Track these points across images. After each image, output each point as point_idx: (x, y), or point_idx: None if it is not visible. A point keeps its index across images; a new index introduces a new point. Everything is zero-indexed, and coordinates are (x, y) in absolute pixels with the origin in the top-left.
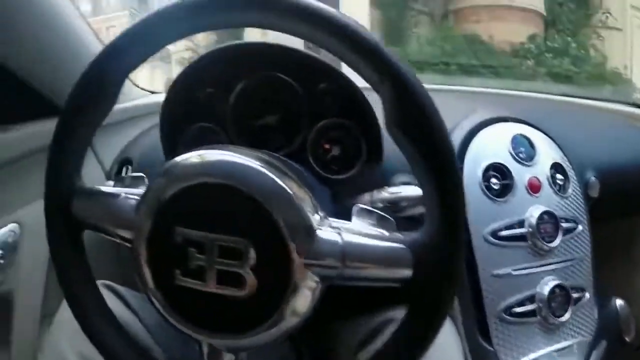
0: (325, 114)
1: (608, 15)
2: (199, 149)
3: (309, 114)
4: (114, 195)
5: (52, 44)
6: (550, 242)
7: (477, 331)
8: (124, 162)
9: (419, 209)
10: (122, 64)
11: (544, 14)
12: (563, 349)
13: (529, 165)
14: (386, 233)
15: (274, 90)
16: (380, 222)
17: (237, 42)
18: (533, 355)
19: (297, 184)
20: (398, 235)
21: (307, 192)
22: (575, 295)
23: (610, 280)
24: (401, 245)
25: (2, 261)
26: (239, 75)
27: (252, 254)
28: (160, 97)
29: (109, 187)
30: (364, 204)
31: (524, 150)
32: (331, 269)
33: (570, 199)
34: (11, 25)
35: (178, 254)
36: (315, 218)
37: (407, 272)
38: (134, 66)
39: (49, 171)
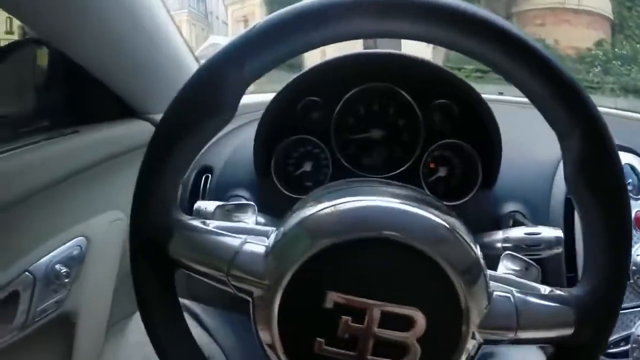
0: (439, 133)
1: None
2: (326, 192)
3: (424, 132)
4: (227, 236)
5: (132, 43)
6: None
7: None
8: (203, 170)
9: (553, 252)
10: (248, 67)
11: (612, 18)
12: None
13: (636, 199)
14: (547, 290)
15: (380, 103)
16: (528, 270)
17: (351, 52)
18: None
19: (463, 226)
20: (563, 294)
21: (471, 237)
22: None
23: None
24: (565, 305)
25: (67, 279)
26: (347, 85)
27: (422, 321)
28: (244, 99)
29: (215, 222)
30: (495, 243)
31: (631, 182)
32: (502, 336)
33: None
34: (92, 23)
35: (326, 320)
36: (484, 267)
37: (567, 332)
38: (263, 70)
39: (140, 198)
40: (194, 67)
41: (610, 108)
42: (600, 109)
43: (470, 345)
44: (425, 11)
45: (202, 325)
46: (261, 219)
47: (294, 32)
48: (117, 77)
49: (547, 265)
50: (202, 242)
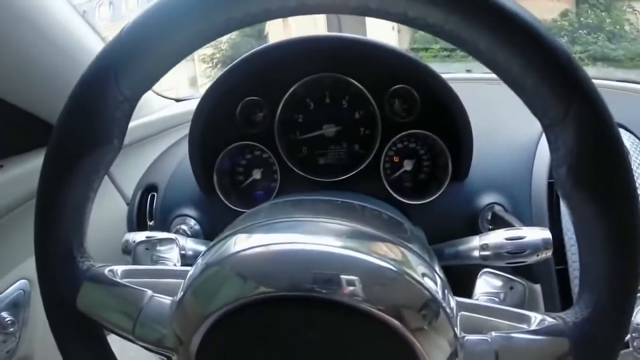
0: (399, 123)
1: None
2: (257, 226)
3: (381, 122)
4: (133, 291)
5: (48, 59)
6: None
7: None
8: (148, 188)
9: (541, 257)
10: (124, 82)
11: None
12: None
13: None
14: (536, 319)
15: (331, 95)
16: (512, 289)
17: (285, 39)
18: None
19: (429, 264)
20: (554, 322)
21: (440, 278)
22: None
23: None
24: (559, 337)
25: (12, 328)
26: (289, 78)
27: None
28: (187, 105)
29: (126, 267)
30: (471, 251)
31: None
32: None
33: None
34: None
35: None
36: (451, 312)
37: None
38: (146, 83)
39: (40, 250)
40: None
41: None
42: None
43: None
44: None
45: None
46: (195, 246)
47: (175, 25)
48: (42, 105)
49: (534, 272)
50: (108, 296)
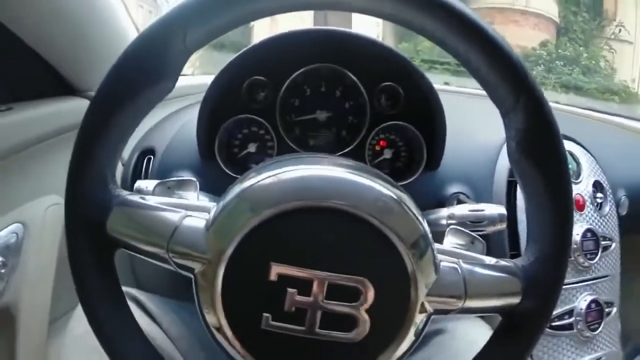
0: (384, 115)
1: (622, 27)
2: (270, 165)
3: (370, 113)
4: (167, 211)
5: (72, 14)
6: (592, 258)
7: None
8: (146, 151)
9: (497, 228)
10: (192, 35)
11: (558, 21)
12: (595, 359)
13: (575, 183)
14: (493, 261)
15: (326, 85)
16: (473, 243)
17: (299, 28)
18: None
19: (403, 193)
20: (508, 264)
21: (415, 206)
22: (607, 309)
23: (633, 293)
24: (512, 275)
25: (3, 270)
26: (292, 65)
27: (371, 292)
28: (186, 80)
29: (155, 198)
30: (442, 219)
31: (571, 168)
32: (451, 304)
33: (607, 217)
34: None
35: (271, 294)
36: (429, 236)
37: (514, 300)
38: (208, 38)
39: (75, 173)
40: None
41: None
42: (559, 106)
43: (420, 316)
44: None
45: (147, 313)
46: (204, 197)
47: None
48: (55, 50)
49: (491, 242)
50: (141, 218)
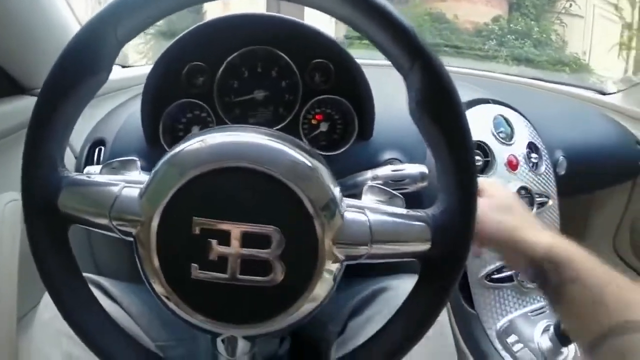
0: (317, 90)
1: (572, 2)
2: (199, 134)
3: (302, 89)
4: (109, 185)
5: (18, 16)
6: None
7: (461, 296)
8: (96, 143)
9: (419, 186)
10: (122, 29)
11: None
12: (537, 309)
13: (508, 145)
14: (403, 211)
15: (262, 66)
16: (391, 198)
17: (228, 15)
18: (511, 316)
19: (316, 159)
20: (417, 212)
21: (325, 167)
22: None
23: None
24: (421, 222)
25: None
26: (229, 49)
27: (280, 239)
28: (130, 72)
29: (99, 176)
30: (366, 181)
31: (504, 130)
32: (359, 249)
33: (542, 175)
34: None
35: (195, 246)
36: (338, 194)
37: (425, 247)
38: (136, 31)
39: (28, 160)
40: None
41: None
42: (480, 72)
43: (332, 260)
44: None
45: (109, 296)
46: (144, 175)
47: None
48: (2, 51)
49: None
50: (87, 193)
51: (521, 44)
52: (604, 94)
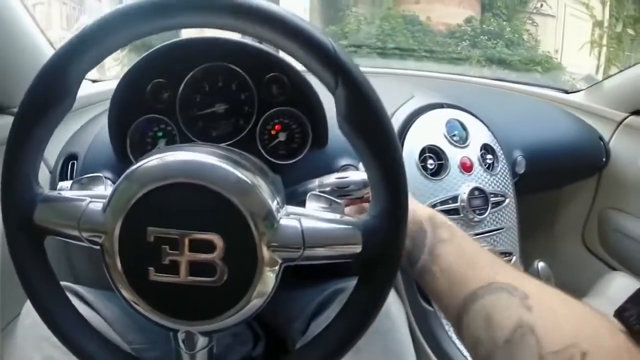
0: (273, 102)
1: (543, 2)
2: (158, 152)
3: (258, 102)
4: (77, 200)
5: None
6: (481, 214)
7: (419, 295)
8: (69, 157)
9: (364, 192)
10: (82, 62)
11: None
12: None
13: (461, 147)
14: (338, 216)
15: (223, 80)
16: (331, 205)
17: (190, 37)
18: None
19: (255, 174)
20: (348, 218)
21: (265, 182)
22: (504, 259)
23: (534, 246)
24: (352, 227)
25: None
26: (189, 66)
27: (222, 245)
28: (101, 86)
29: (69, 192)
30: (314, 189)
31: (457, 134)
32: (293, 252)
33: (498, 175)
34: None
35: (151, 252)
36: (275, 205)
37: (356, 249)
38: (94, 63)
39: (5, 179)
40: None
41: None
42: (444, 75)
43: (270, 262)
44: (201, 6)
45: (85, 302)
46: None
47: (115, 30)
48: None
49: None
50: (58, 207)
51: (494, 44)
52: (567, 92)
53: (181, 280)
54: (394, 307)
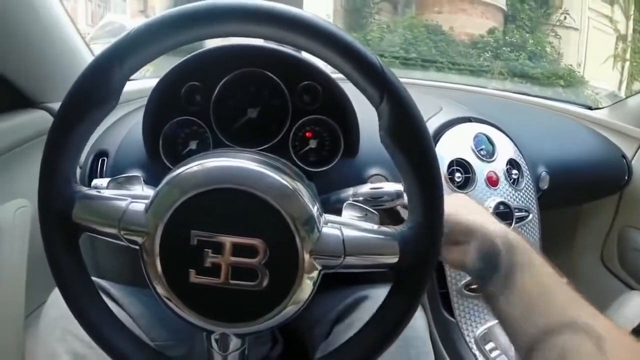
0: (306, 110)
1: (567, 15)
2: (198, 157)
3: (292, 110)
4: (118, 200)
5: (27, 33)
6: None
7: (441, 305)
8: (99, 154)
9: (396, 203)
10: (127, 64)
11: (505, 9)
12: None
13: (488, 161)
14: (375, 226)
15: (257, 86)
16: (367, 215)
17: (227, 43)
18: (489, 324)
19: (295, 180)
20: (385, 228)
21: (306, 188)
22: None
23: (558, 260)
24: (390, 238)
25: None
26: (224, 71)
27: (265, 250)
28: (134, 85)
29: (108, 190)
30: (348, 197)
31: (485, 148)
32: (333, 260)
33: (523, 191)
34: None
35: (193, 254)
36: (316, 211)
37: (393, 259)
38: (140, 66)
39: (44, 175)
40: (86, 55)
41: (493, 89)
42: (468, 87)
43: (310, 269)
44: (259, 17)
45: (111, 297)
46: (150, 190)
47: (162, 35)
48: (13, 66)
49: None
50: (98, 206)
51: (516, 56)
52: (591, 108)
53: (221, 283)
54: (416, 315)
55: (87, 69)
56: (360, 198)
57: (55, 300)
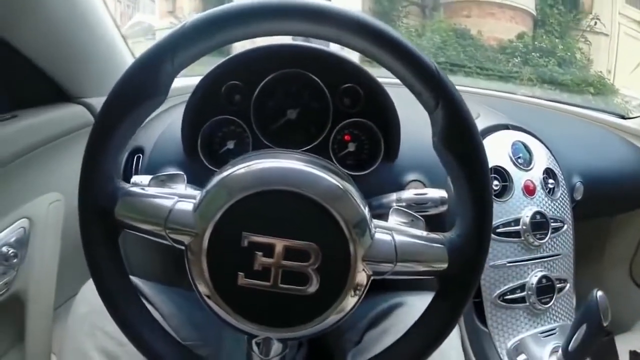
0: (347, 112)
1: (597, 20)
2: (245, 158)
3: (332, 112)
4: (164, 198)
5: (69, 29)
6: (541, 238)
7: (475, 314)
8: (135, 150)
9: (440, 209)
10: (175, 61)
11: (534, 14)
12: (547, 331)
13: (526, 170)
14: (424, 233)
15: (298, 87)
16: (412, 221)
17: (268, 43)
18: (521, 335)
19: (345, 180)
20: (434, 235)
21: (356, 190)
22: (558, 285)
23: (587, 272)
24: (440, 245)
25: (15, 260)
26: (265, 71)
27: (318, 254)
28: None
29: (152, 188)
30: (391, 203)
31: (522, 156)
32: (385, 266)
33: (558, 201)
34: (31, 9)
35: (242, 256)
36: (367, 213)
37: (442, 266)
38: (187, 63)
39: (86, 170)
40: (125, 52)
41: (524, 95)
42: (501, 94)
43: (360, 275)
44: (317, 16)
45: (142, 295)
46: (190, 188)
47: (213, 32)
48: (54, 62)
49: (436, 222)
50: (143, 204)
51: (545, 62)
52: (624, 117)
53: (270, 287)
54: None
55: (136, 62)
56: (404, 203)
57: (86, 295)
